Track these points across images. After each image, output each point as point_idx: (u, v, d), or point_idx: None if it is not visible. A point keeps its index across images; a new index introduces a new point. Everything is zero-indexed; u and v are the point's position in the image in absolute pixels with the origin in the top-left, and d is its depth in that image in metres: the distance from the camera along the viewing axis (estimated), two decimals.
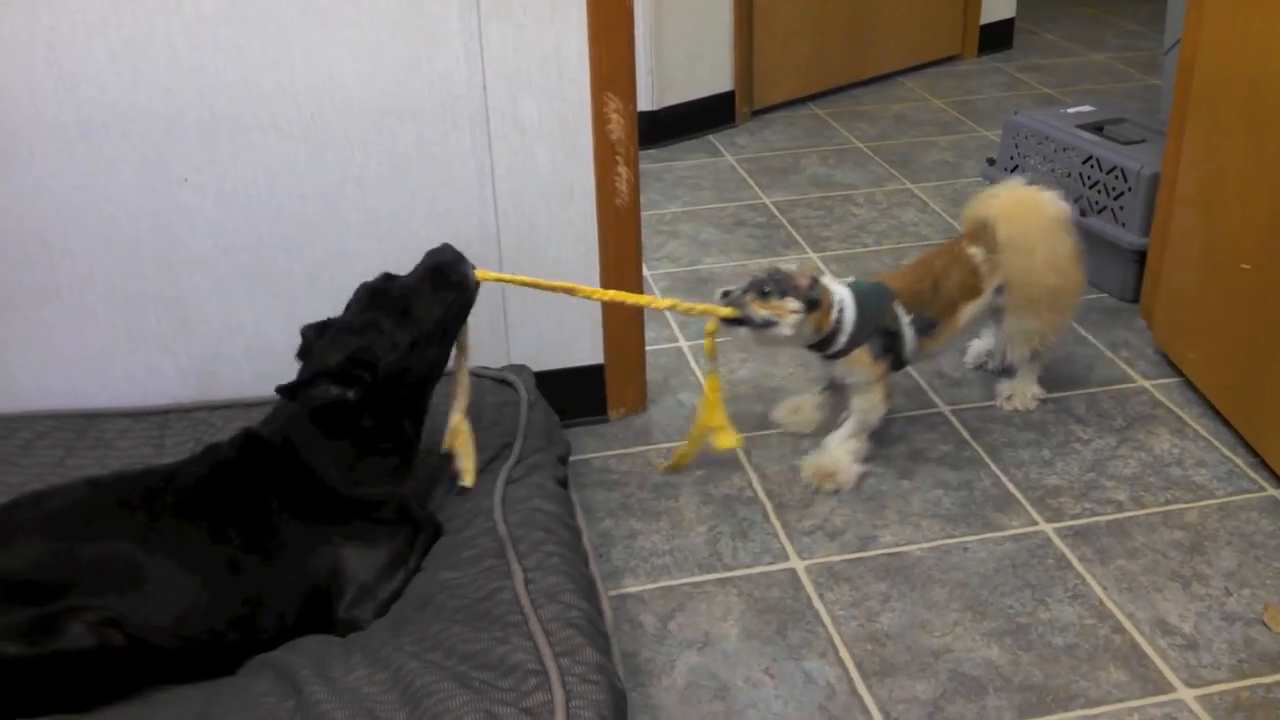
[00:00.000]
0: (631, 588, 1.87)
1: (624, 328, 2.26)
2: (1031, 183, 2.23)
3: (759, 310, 1.96)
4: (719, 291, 2.02)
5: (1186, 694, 1.65)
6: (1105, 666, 1.70)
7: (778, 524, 2.02)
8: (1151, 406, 2.34)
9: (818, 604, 1.83)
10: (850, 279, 2.14)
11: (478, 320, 2.15)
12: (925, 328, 2.13)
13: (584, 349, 2.25)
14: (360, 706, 1.36)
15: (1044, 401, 2.35)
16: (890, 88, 4.49)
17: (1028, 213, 2.18)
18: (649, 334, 2.38)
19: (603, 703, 1.34)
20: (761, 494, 2.10)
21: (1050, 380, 2.43)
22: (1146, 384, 2.43)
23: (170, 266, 2.00)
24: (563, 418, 2.14)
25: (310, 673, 1.45)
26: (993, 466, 2.16)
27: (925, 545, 1.96)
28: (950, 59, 4.81)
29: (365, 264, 2.07)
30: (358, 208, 2.03)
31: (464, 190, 2.06)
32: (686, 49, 3.82)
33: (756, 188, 3.53)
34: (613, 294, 1.94)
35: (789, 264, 2.09)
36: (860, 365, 2.08)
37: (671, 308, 2.00)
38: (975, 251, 2.17)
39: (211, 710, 1.42)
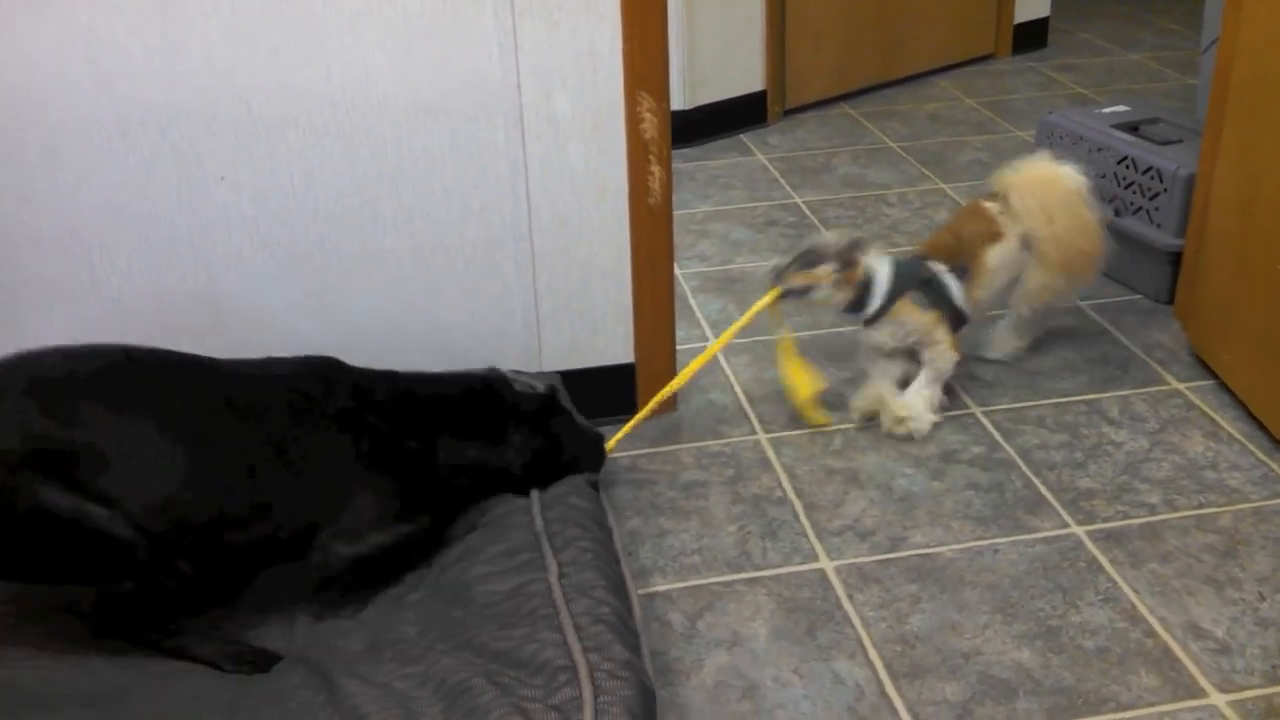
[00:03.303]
0: (660, 586, 1.88)
1: (655, 327, 2.26)
2: (1055, 159, 2.41)
3: (799, 281, 2.19)
4: (770, 266, 2.24)
5: (1219, 699, 1.63)
6: (1137, 670, 1.69)
7: (807, 524, 2.02)
8: (1185, 409, 2.33)
9: (847, 605, 1.83)
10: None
11: (510, 318, 2.17)
12: (961, 274, 2.29)
13: (615, 347, 2.26)
14: (392, 701, 1.37)
15: (1077, 403, 2.34)
16: (923, 87, 4.47)
17: (1045, 185, 2.36)
18: (680, 333, 2.38)
19: (631, 699, 1.35)
20: (791, 494, 2.10)
21: (1084, 382, 2.42)
22: (1181, 386, 2.41)
23: (206, 263, 2.01)
24: (592, 416, 2.14)
25: (343, 668, 1.47)
26: (1024, 468, 2.15)
27: (956, 547, 1.95)
28: (984, 58, 4.78)
29: (399, 261, 2.09)
30: (392, 205, 2.04)
31: (497, 188, 2.07)
32: (719, 48, 3.82)
33: (788, 187, 3.52)
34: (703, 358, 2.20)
35: (829, 235, 2.31)
36: (911, 316, 2.24)
37: (739, 329, 2.22)
38: (991, 205, 2.36)
39: (243, 702, 1.43)
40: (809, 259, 2.19)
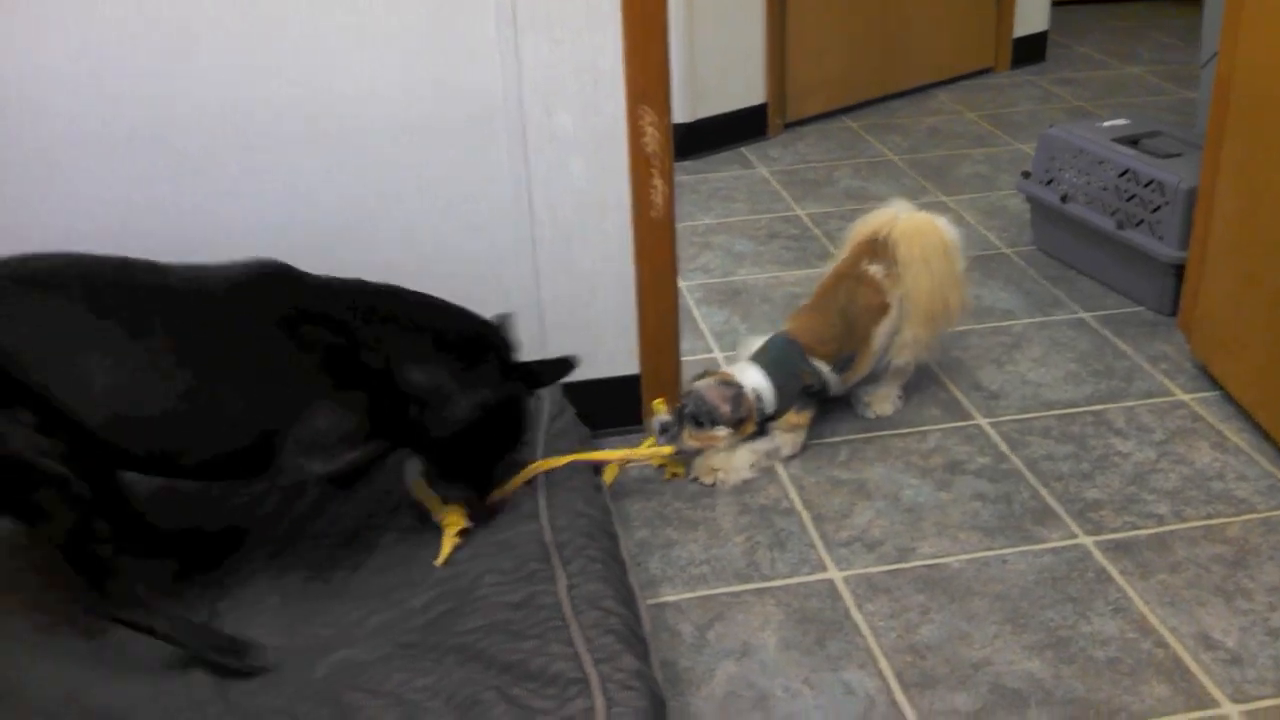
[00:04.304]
0: (669, 597, 1.87)
1: (659, 339, 2.26)
2: (921, 208, 2.37)
3: (693, 444, 2.13)
4: (658, 423, 2.13)
5: (1231, 709, 1.63)
6: (1148, 681, 1.68)
7: (815, 535, 2.01)
8: (1191, 420, 2.32)
9: (856, 615, 1.82)
10: (760, 346, 2.25)
11: (515, 331, 2.17)
12: (844, 365, 2.26)
13: (620, 359, 2.26)
14: (403, 712, 1.36)
15: (1082, 414, 2.34)
16: (924, 100, 4.49)
17: (926, 235, 2.31)
18: (684, 345, 2.38)
19: (643, 710, 1.34)
20: (799, 504, 2.10)
21: (1088, 393, 2.42)
22: (1186, 397, 2.41)
23: None
24: (598, 427, 2.15)
25: (348, 681, 1.46)
26: (1031, 479, 2.15)
27: (964, 557, 1.95)
28: (983, 72, 4.80)
29: (403, 276, 2.08)
30: (395, 220, 2.04)
31: (500, 203, 2.07)
32: (720, 62, 3.83)
33: (790, 200, 3.53)
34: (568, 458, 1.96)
35: (706, 378, 2.17)
36: (790, 421, 2.21)
37: (624, 460, 2.10)
38: (876, 269, 2.29)
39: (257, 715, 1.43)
40: (701, 418, 2.11)
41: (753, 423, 2.16)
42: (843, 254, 2.39)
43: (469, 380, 1.69)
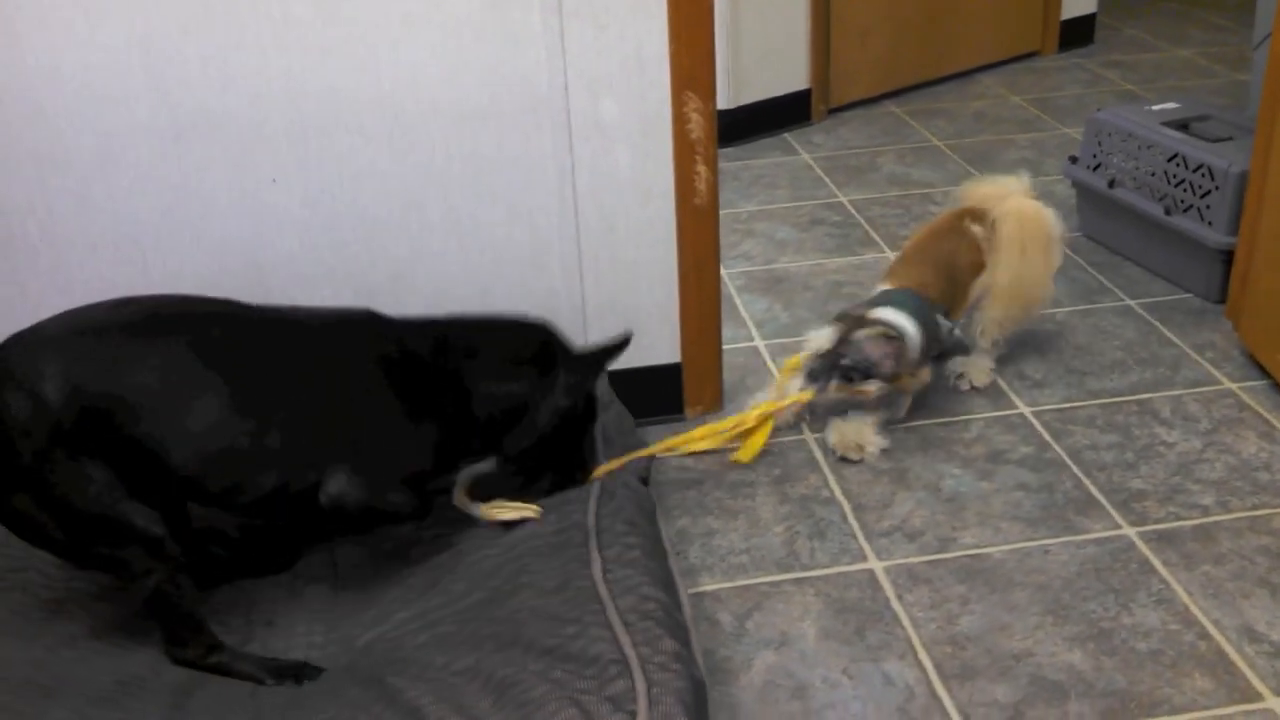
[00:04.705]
0: (708, 586, 1.88)
1: (701, 327, 2.26)
2: (1036, 196, 2.41)
3: (837, 396, 2.10)
4: (808, 368, 2.14)
5: (1275, 703, 1.62)
6: (1190, 673, 1.67)
7: (855, 524, 2.02)
8: (1238, 409, 2.30)
9: (896, 605, 1.82)
10: (900, 300, 2.18)
11: (558, 318, 2.18)
12: (947, 312, 2.29)
13: (662, 348, 2.26)
14: (444, 694, 1.38)
15: (1127, 403, 2.32)
16: (969, 85, 4.45)
17: (1032, 223, 2.34)
18: (726, 333, 2.39)
19: (683, 690, 1.35)
20: (839, 494, 2.10)
21: (1134, 382, 2.40)
22: (1233, 386, 2.38)
23: (257, 265, 2.04)
24: (640, 416, 2.15)
25: (392, 667, 1.48)
26: (1074, 469, 2.14)
27: (1005, 547, 1.94)
28: (1030, 55, 4.75)
29: (447, 264, 2.10)
30: (440, 208, 2.06)
31: (545, 191, 2.08)
32: (763, 47, 3.82)
33: (833, 186, 3.51)
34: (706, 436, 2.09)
35: (864, 329, 2.09)
36: (917, 380, 2.22)
37: (764, 417, 2.11)
38: (978, 230, 2.32)
39: (298, 699, 1.45)
40: (856, 371, 2.07)
41: (909, 377, 2.12)
42: (941, 214, 2.43)
43: (545, 387, 1.76)
